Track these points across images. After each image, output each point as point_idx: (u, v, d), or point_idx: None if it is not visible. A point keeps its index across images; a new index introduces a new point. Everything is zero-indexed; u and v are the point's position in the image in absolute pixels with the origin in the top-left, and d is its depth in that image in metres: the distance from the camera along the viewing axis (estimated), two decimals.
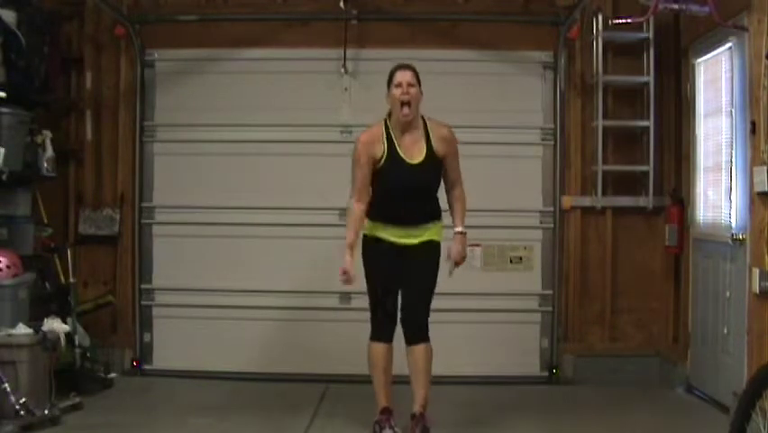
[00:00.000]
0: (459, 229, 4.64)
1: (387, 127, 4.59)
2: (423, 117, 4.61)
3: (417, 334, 4.53)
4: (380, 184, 4.59)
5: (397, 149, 4.55)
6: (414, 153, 4.54)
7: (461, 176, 4.70)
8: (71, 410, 5.00)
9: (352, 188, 4.60)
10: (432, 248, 4.63)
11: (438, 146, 4.57)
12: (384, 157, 4.54)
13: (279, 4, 6.31)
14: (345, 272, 4.48)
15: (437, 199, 4.71)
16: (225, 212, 6.19)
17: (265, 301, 6.16)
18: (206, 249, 6.20)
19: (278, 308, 6.15)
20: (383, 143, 4.55)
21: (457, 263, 4.68)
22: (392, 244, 4.62)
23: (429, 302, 4.61)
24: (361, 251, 4.66)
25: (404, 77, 4.52)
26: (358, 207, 4.54)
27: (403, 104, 4.48)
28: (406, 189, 4.54)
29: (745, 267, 4.84)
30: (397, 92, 4.51)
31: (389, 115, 4.61)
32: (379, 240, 4.64)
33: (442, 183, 4.71)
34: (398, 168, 4.53)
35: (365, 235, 4.69)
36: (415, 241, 4.60)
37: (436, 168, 4.60)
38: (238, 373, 6.03)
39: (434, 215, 4.66)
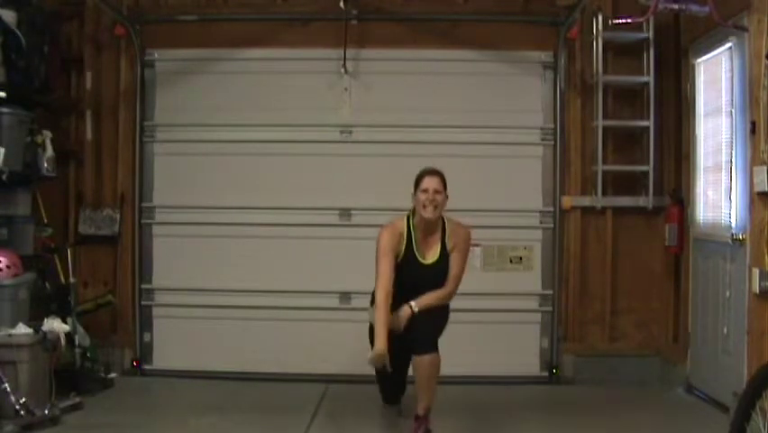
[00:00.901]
0: (412, 303, 4.59)
1: (409, 225, 4.70)
2: (444, 218, 4.73)
3: (424, 346, 4.51)
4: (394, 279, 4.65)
5: (415, 248, 4.68)
6: (429, 254, 4.69)
7: (458, 280, 4.71)
8: (71, 410, 5.00)
9: (377, 279, 4.58)
10: None
11: (449, 243, 4.70)
12: (401, 255, 4.67)
13: (279, 4, 6.31)
14: (380, 357, 4.35)
15: None
16: (225, 212, 6.19)
17: (265, 301, 6.16)
18: (207, 249, 6.20)
19: (278, 308, 6.15)
20: (403, 241, 4.68)
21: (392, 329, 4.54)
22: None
23: (439, 328, 4.64)
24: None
25: (431, 183, 4.62)
26: (383, 295, 4.50)
27: (426, 207, 4.61)
28: (416, 286, 4.64)
29: (745, 267, 4.84)
30: (422, 197, 4.62)
31: (413, 212, 4.71)
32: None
33: None
34: (413, 266, 4.67)
35: (370, 323, 4.76)
36: None
37: (447, 267, 4.71)
38: (238, 373, 6.03)
39: None
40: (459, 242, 4.71)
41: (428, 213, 4.61)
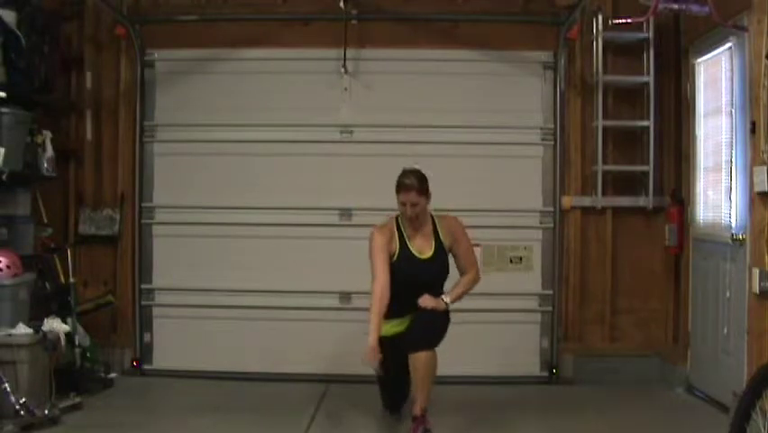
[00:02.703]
0: (444, 297, 4.71)
1: (398, 225, 4.79)
2: (432, 215, 4.82)
3: (421, 343, 4.53)
4: (392, 280, 4.69)
5: (409, 246, 4.75)
6: (424, 249, 4.76)
7: (475, 263, 4.88)
8: (71, 410, 5.00)
9: (374, 277, 4.64)
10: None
11: (445, 237, 4.79)
12: (397, 254, 4.74)
13: (279, 4, 6.30)
14: (372, 353, 4.44)
15: (442, 290, 4.84)
16: (225, 212, 6.19)
17: (265, 301, 6.16)
18: (207, 249, 6.20)
19: (277, 308, 6.15)
20: (396, 241, 4.75)
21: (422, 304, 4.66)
22: (395, 336, 4.70)
23: (438, 331, 4.66)
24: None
25: (407, 197, 4.68)
26: (380, 290, 4.57)
27: (409, 218, 4.71)
28: (416, 284, 4.69)
29: (745, 267, 4.85)
30: (402, 209, 4.71)
31: (401, 214, 4.79)
32: (384, 337, 4.72)
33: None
34: (410, 263, 4.73)
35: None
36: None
37: (445, 260, 4.80)
38: (238, 372, 6.03)
39: None
40: (455, 233, 4.81)
41: (412, 221, 4.72)
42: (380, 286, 4.57)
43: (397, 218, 4.81)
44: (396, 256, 4.72)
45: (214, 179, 6.22)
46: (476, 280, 4.86)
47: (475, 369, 6.03)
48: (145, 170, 6.28)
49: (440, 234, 4.78)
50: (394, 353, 4.57)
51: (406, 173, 4.74)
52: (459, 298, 4.76)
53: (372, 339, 4.45)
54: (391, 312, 4.71)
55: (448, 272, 4.83)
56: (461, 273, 4.85)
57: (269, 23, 6.23)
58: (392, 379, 4.83)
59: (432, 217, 4.81)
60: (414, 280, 4.68)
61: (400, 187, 4.71)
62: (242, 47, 6.23)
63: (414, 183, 4.68)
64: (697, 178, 5.72)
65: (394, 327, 4.72)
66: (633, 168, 6.15)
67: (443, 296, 4.70)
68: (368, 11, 6.12)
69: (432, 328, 4.62)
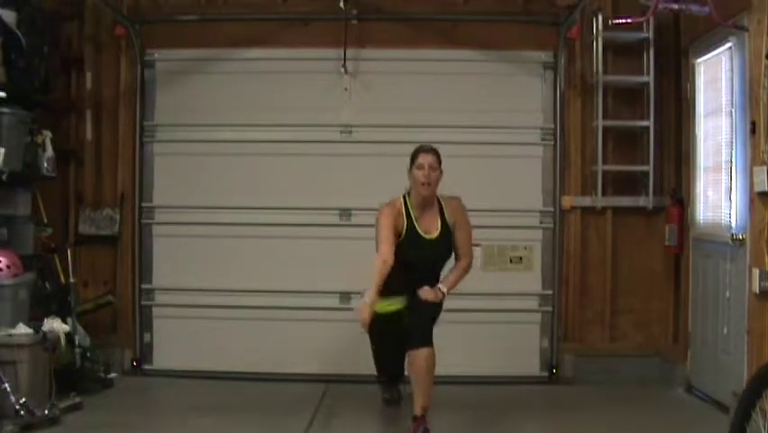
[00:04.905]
0: (441, 286, 4.77)
1: (406, 204, 4.80)
2: (438, 197, 4.84)
3: (419, 339, 4.55)
4: (397, 257, 4.70)
5: (416, 225, 4.77)
6: (430, 229, 4.79)
7: (471, 250, 4.89)
8: (71, 410, 5.00)
9: (378, 249, 4.66)
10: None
11: (450, 218, 4.82)
12: (404, 232, 4.74)
13: (279, 4, 6.31)
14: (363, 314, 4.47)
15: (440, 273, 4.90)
16: (225, 212, 6.19)
17: (265, 301, 6.16)
18: (206, 249, 6.20)
19: (277, 308, 6.15)
20: (404, 219, 4.76)
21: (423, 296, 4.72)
22: (390, 314, 4.71)
23: (433, 316, 4.71)
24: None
25: (426, 159, 4.74)
26: (381, 262, 4.57)
27: (423, 184, 4.72)
28: (420, 263, 4.74)
29: (745, 267, 4.84)
30: (419, 174, 4.73)
31: (408, 193, 4.82)
32: (377, 314, 4.74)
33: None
34: (417, 243, 4.74)
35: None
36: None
37: (450, 242, 4.84)
38: (238, 372, 6.03)
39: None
40: (457, 215, 4.84)
41: (425, 190, 4.72)
42: (382, 258, 4.59)
43: (404, 198, 4.83)
44: (403, 234, 4.74)
45: (213, 180, 6.22)
46: (469, 268, 4.90)
47: (475, 369, 6.02)
48: (145, 170, 6.28)
49: (446, 216, 4.81)
50: (388, 329, 4.64)
51: (422, 145, 4.85)
52: (453, 286, 4.80)
53: (370, 296, 4.46)
54: (389, 289, 4.71)
55: (450, 254, 4.87)
56: (457, 256, 4.88)
57: (269, 23, 6.23)
58: (389, 355, 4.93)
59: (438, 199, 4.84)
60: (417, 260, 4.72)
61: (420, 150, 4.80)
62: (242, 47, 6.23)
63: (433, 149, 4.80)
64: (697, 178, 5.71)
65: (388, 305, 4.72)
66: (633, 168, 6.15)
67: (439, 285, 4.75)
68: (368, 11, 6.12)
69: (430, 321, 4.66)
